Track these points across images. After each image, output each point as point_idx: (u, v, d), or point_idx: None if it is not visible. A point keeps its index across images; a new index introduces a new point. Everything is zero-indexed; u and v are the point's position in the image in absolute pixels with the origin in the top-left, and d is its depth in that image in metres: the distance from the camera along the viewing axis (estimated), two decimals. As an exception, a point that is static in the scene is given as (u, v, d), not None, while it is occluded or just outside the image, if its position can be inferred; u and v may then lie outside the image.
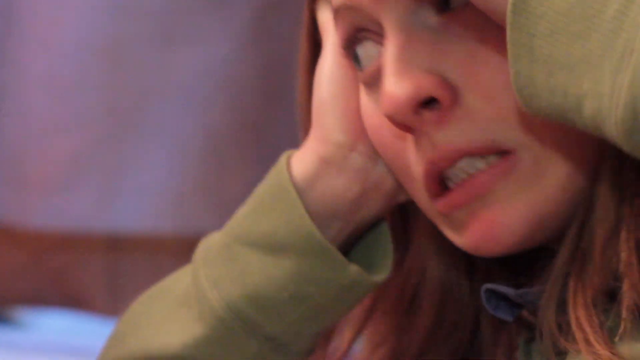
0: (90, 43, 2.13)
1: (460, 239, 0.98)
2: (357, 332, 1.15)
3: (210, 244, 1.12)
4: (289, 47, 1.99)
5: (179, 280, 1.15)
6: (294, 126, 1.13)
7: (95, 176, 2.13)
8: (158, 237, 2.14)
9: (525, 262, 1.03)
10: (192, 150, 2.13)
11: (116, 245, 2.17)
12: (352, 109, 1.07)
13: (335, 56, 1.08)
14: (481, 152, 0.94)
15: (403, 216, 1.13)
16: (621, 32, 0.72)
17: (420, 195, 0.99)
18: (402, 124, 0.94)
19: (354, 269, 1.05)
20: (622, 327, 0.87)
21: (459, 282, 1.12)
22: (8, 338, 2.37)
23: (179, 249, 2.07)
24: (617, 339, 0.88)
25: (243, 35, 2.13)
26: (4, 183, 2.20)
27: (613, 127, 0.71)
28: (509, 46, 0.77)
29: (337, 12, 1.02)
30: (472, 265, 1.11)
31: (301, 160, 1.09)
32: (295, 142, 1.12)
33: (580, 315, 0.91)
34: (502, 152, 0.93)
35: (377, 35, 0.98)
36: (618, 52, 0.72)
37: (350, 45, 1.01)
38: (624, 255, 0.89)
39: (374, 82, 0.99)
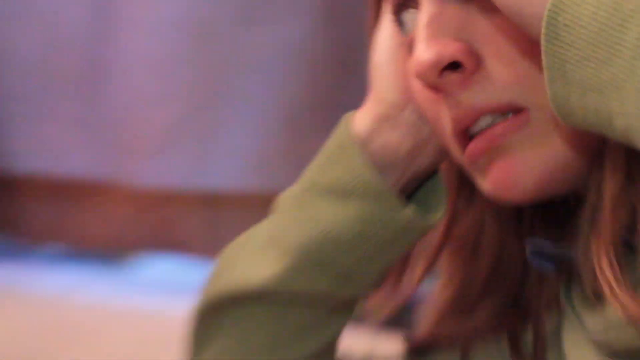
0: (182, 24, 2.24)
1: (484, 185, 1.02)
2: (425, 272, 1.17)
3: (286, 196, 1.13)
4: (359, 23, 2.15)
5: (262, 228, 1.15)
6: (363, 95, 1.13)
7: (189, 141, 2.24)
8: (245, 194, 2.22)
9: (562, 216, 1.08)
10: (273, 117, 2.21)
11: (211, 200, 2.26)
12: (403, 72, 1.09)
13: (389, 25, 1.10)
14: (499, 111, 0.98)
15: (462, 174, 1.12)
16: None
17: (454, 150, 1.03)
18: (431, 85, 0.99)
19: (409, 211, 1.08)
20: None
21: (510, 237, 1.15)
22: (122, 278, 2.43)
23: (262, 203, 2.20)
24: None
25: (316, 14, 2.18)
26: (113, 148, 2.30)
27: None
28: (545, 70, 0.83)
29: (395, 2, 1.05)
30: (520, 222, 1.15)
31: (361, 118, 1.11)
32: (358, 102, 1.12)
33: (603, 265, 0.95)
34: (517, 110, 0.98)
35: (417, 5, 1.01)
36: (639, 76, 0.77)
37: (398, 12, 1.06)
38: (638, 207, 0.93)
39: (411, 47, 1.02)
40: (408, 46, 1.05)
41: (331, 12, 2.22)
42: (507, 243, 1.17)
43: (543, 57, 0.82)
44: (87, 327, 2.00)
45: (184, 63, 2.26)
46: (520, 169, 1.00)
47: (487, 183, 1.01)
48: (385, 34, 1.13)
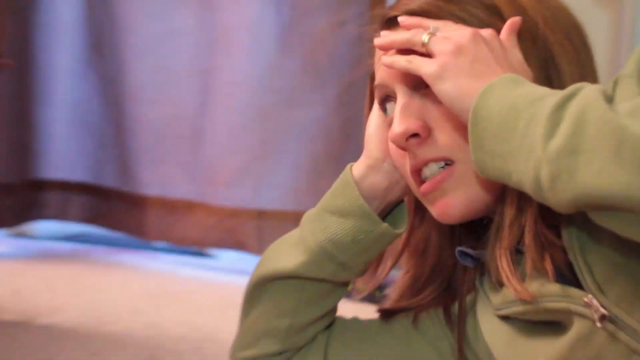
0: (251, 105, 2.29)
1: (432, 211, 1.05)
2: (392, 266, 1.20)
3: (310, 212, 1.18)
4: (359, 108, 2.22)
5: (294, 233, 1.19)
6: (359, 152, 1.18)
7: (251, 177, 2.33)
8: (282, 211, 2.30)
9: (479, 230, 1.09)
10: (305, 164, 2.28)
11: (262, 215, 2.31)
12: (384, 140, 1.12)
13: (376, 110, 1.14)
14: (437, 160, 1.02)
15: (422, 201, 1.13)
16: (526, 138, 0.80)
17: (413, 187, 1.07)
18: (400, 146, 1.04)
19: (384, 225, 1.12)
20: (527, 271, 0.95)
21: (447, 242, 1.16)
22: (205, 264, 2.48)
23: (293, 218, 2.19)
24: (526, 279, 0.96)
25: (332, 102, 2.26)
26: (203, 181, 2.40)
27: (529, 190, 0.81)
28: (470, 143, 0.87)
29: (376, 88, 1.10)
30: (453, 231, 1.16)
31: (356, 167, 1.15)
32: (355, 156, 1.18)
33: (502, 263, 0.98)
34: (449, 162, 1.01)
35: (395, 99, 1.06)
36: (526, 148, 0.80)
37: (382, 104, 1.10)
38: (526, 228, 0.95)
39: (391, 124, 1.06)
40: (388, 123, 1.09)
41: (341, 101, 2.30)
42: (444, 248, 1.18)
43: (469, 135, 0.87)
44: (181, 292, 2.03)
45: (252, 129, 2.36)
46: (452, 203, 1.03)
47: (434, 211, 1.06)
48: (374, 115, 1.16)
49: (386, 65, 1.02)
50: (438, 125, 1.03)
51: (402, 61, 0.99)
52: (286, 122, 2.30)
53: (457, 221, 1.07)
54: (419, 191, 1.07)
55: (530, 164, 0.80)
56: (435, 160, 1.04)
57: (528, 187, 0.82)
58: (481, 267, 1.13)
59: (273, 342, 1.23)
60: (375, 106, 1.17)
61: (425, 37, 0.97)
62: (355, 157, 1.23)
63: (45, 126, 2.56)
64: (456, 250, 1.14)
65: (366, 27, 2.11)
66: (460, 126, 1.02)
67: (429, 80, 0.95)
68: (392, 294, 1.24)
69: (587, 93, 0.79)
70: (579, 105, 0.78)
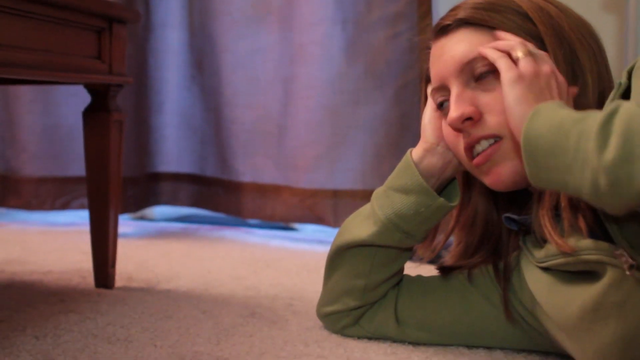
0: (325, 104, 2.27)
1: (486, 181, 1.07)
2: (447, 236, 1.23)
3: (378, 190, 1.21)
4: (413, 103, 2.18)
5: (365, 208, 1.23)
6: (416, 139, 1.14)
7: (327, 162, 2.31)
8: (354, 190, 2.28)
9: (523, 199, 1.11)
10: (370, 151, 2.27)
11: (337, 194, 2.30)
12: (438, 127, 1.15)
13: (430, 105, 1.16)
14: (488, 137, 1.04)
15: (469, 179, 1.18)
16: (579, 152, 0.78)
17: (465, 161, 1.09)
18: (456, 128, 1.07)
19: (441, 199, 1.14)
20: (565, 229, 0.97)
21: (493, 213, 1.18)
22: (290, 236, 2.46)
23: (364, 195, 2.23)
24: (564, 235, 0.97)
25: (390, 99, 2.23)
26: (287, 167, 2.39)
27: (586, 196, 0.79)
28: (524, 160, 0.86)
29: (434, 91, 1.12)
30: (498, 204, 1.18)
31: (415, 151, 1.17)
32: (410, 144, 1.22)
33: (545, 222, 1.00)
34: (497, 138, 1.03)
35: (449, 94, 1.08)
36: (580, 161, 0.78)
37: (438, 101, 1.12)
38: (562, 193, 0.97)
39: (447, 114, 1.09)
40: (444, 114, 1.12)
41: (398, 99, 2.27)
42: (490, 220, 1.19)
43: (522, 153, 0.86)
44: (273, 260, 2.01)
45: (325, 124, 2.34)
46: (503, 172, 1.04)
47: (487, 180, 1.07)
48: (428, 108, 1.18)
49: (484, 52, 1.01)
50: (487, 109, 1.04)
51: (496, 55, 0.99)
52: (353, 117, 2.28)
53: (508, 188, 1.06)
54: (472, 164, 1.07)
55: (587, 174, 0.77)
56: (487, 137, 1.04)
57: (585, 194, 0.80)
58: (525, 229, 1.11)
59: (352, 299, 1.25)
60: (429, 101, 1.17)
61: (520, 54, 0.97)
62: (411, 144, 1.22)
63: (159, 130, 2.60)
64: (503, 217, 1.13)
65: (416, 38, 2.10)
66: (504, 111, 0.99)
67: (504, 80, 0.96)
68: (448, 260, 1.24)
69: (626, 109, 0.77)
70: (622, 119, 0.75)
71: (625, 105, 0.77)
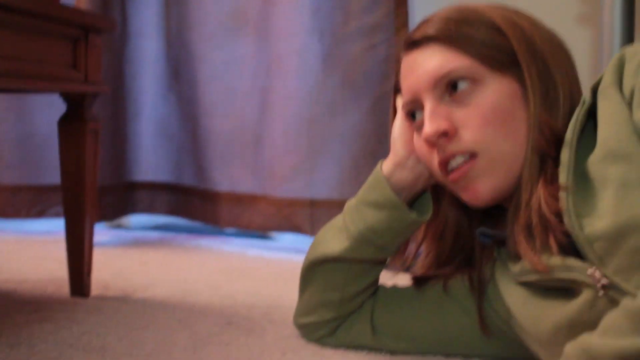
0: (302, 112, 2.25)
1: (463, 197, 1.06)
2: (418, 247, 1.22)
3: (350, 203, 1.21)
4: (386, 115, 2.16)
5: (338, 220, 1.23)
6: (387, 151, 1.16)
7: (304, 172, 2.29)
8: (330, 200, 2.25)
9: (496, 211, 1.11)
10: (343, 163, 2.24)
11: (314, 203, 2.27)
12: (407, 141, 1.13)
13: (400, 117, 1.15)
14: (463, 153, 1.02)
15: (438, 191, 1.18)
16: None
17: (439, 176, 1.07)
18: (432, 143, 1.05)
19: (413, 214, 1.14)
20: (537, 247, 0.96)
21: (464, 225, 1.17)
22: (268, 245, 2.45)
23: (339, 205, 2.15)
24: (537, 252, 0.97)
25: (367, 110, 2.20)
26: (264, 177, 2.37)
27: None
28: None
29: (405, 104, 1.09)
30: (470, 216, 1.17)
31: (385, 164, 1.16)
32: (387, 154, 1.18)
33: (520, 239, 0.99)
34: (473, 155, 1.01)
35: (422, 107, 1.06)
36: None
37: (410, 112, 1.10)
38: (533, 212, 0.96)
39: (419, 127, 1.09)
40: (417, 127, 1.10)
41: (374, 109, 2.22)
42: (461, 229, 1.18)
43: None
44: (250, 269, 2.00)
45: (302, 134, 2.29)
46: (480, 188, 1.03)
47: (465, 196, 1.06)
48: (398, 121, 1.17)
49: None
50: (462, 124, 1.02)
51: None
52: (330, 128, 2.25)
53: (486, 204, 1.05)
54: (448, 179, 1.05)
55: None
56: (462, 152, 1.03)
57: None
58: (499, 244, 1.12)
59: (328, 311, 1.25)
60: (399, 113, 1.15)
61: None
62: (386, 154, 1.20)
63: (135, 138, 2.59)
64: (477, 232, 1.12)
65: (393, 49, 2.10)
66: (481, 126, 1.01)
67: None
68: (418, 270, 1.23)
69: None
70: None
71: None
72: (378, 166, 1.17)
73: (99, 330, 1.35)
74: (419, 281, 1.23)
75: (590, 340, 0.82)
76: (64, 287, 1.66)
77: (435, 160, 1.06)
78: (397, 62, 1.15)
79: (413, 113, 1.10)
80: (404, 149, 1.14)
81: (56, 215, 2.53)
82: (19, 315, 1.43)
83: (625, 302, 0.80)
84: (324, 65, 2.24)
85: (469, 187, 1.04)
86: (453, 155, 1.03)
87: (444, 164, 1.04)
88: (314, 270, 1.24)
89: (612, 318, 0.81)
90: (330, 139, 2.26)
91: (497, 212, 1.11)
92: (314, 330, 1.27)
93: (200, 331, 1.36)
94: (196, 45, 2.45)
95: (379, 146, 2.20)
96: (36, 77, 1.40)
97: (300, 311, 1.30)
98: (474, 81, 1.02)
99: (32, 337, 1.28)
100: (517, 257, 1.03)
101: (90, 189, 1.58)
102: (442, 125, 1.02)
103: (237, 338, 1.32)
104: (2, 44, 1.30)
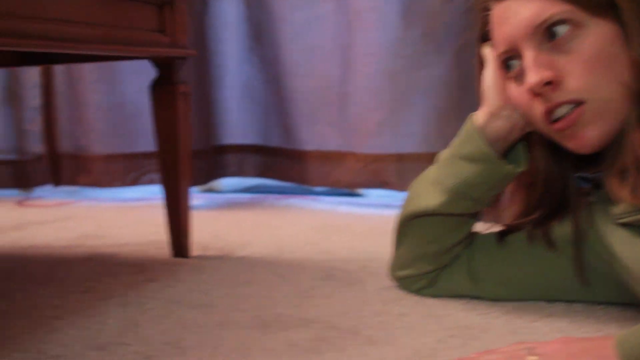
0: (386, 67, 2.26)
1: (569, 145, 1.03)
2: (511, 196, 1.21)
3: (443, 155, 1.19)
4: (471, 65, 2.16)
5: (430, 172, 1.21)
6: (475, 102, 1.16)
7: (390, 127, 2.30)
8: (418, 153, 2.26)
9: (590, 156, 1.07)
10: (429, 115, 2.25)
11: (402, 158, 2.29)
12: (501, 90, 1.11)
13: (494, 67, 1.12)
14: (570, 102, 0.99)
15: (528, 139, 1.15)
16: None
17: (541, 125, 1.04)
18: (536, 93, 1.01)
19: (508, 166, 1.13)
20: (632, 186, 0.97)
21: (554, 171, 1.15)
22: (356, 201, 2.49)
23: (428, 158, 2.20)
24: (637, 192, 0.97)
25: (450, 62, 2.21)
26: (351, 134, 2.38)
27: None
28: None
29: (501, 54, 1.06)
30: (560, 162, 1.14)
31: (479, 115, 1.14)
32: (475, 110, 1.16)
33: (617, 180, 0.99)
34: (579, 103, 0.99)
35: (519, 56, 1.03)
36: None
37: (506, 61, 1.06)
38: (631, 153, 0.97)
39: (518, 76, 1.05)
40: (514, 77, 1.07)
41: (457, 60, 2.23)
42: (551, 175, 1.15)
43: None
44: (342, 225, 2.03)
45: (386, 89, 2.31)
46: (588, 135, 1.00)
47: (571, 143, 1.03)
48: (489, 71, 1.13)
49: None
50: (567, 72, 0.99)
51: None
52: (413, 81, 2.25)
53: (593, 150, 1.03)
54: (553, 128, 1.02)
55: None
56: (569, 102, 1.00)
57: None
58: (597, 187, 1.10)
59: (426, 263, 1.26)
60: (490, 63, 1.12)
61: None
62: (472, 105, 1.18)
63: (221, 102, 2.59)
64: (577, 178, 1.12)
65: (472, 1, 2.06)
66: (586, 72, 0.98)
67: None
68: (507, 219, 1.22)
69: None
70: None
71: None
72: (470, 118, 1.16)
73: (203, 287, 1.38)
74: (509, 229, 1.22)
75: None
76: (164, 249, 1.69)
77: (537, 109, 1.04)
78: (481, 11, 1.11)
79: (508, 63, 1.07)
80: (497, 98, 1.12)
81: (150, 182, 2.58)
82: (125, 276, 1.48)
83: None
84: (404, 19, 2.23)
85: (576, 134, 1.01)
86: (559, 105, 1.01)
87: (549, 113, 1.02)
88: (410, 225, 1.24)
89: None
90: (414, 92, 2.26)
91: (589, 156, 1.08)
92: (413, 282, 1.28)
93: (302, 285, 1.38)
94: (276, 6, 2.45)
95: (464, 97, 2.18)
96: (127, 43, 1.41)
97: (397, 264, 1.30)
98: (575, 26, 0.98)
99: (141, 297, 1.32)
100: (616, 199, 1.02)
101: (184, 151, 1.60)
102: (547, 74, 0.99)
103: (338, 290, 1.34)
104: (93, 12, 1.31)
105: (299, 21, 2.42)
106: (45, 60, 1.90)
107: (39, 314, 1.23)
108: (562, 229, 1.17)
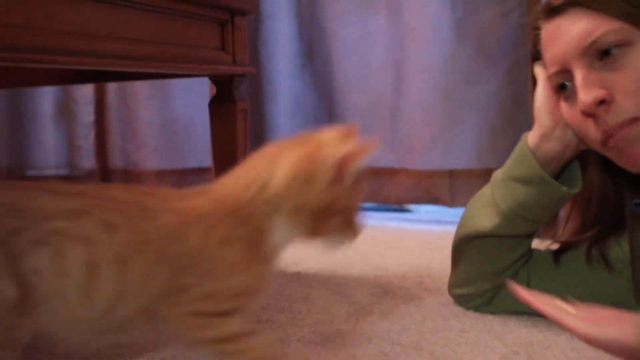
0: (440, 83, 2.26)
1: (624, 164, 1.02)
2: (567, 215, 1.21)
3: (497, 176, 1.20)
4: (524, 84, 2.14)
5: (485, 191, 1.22)
6: (528, 119, 1.16)
7: (441, 143, 2.30)
8: (469, 169, 2.26)
9: None
10: (483, 130, 2.24)
11: (454, 174, 2.29)
12: (552, 110, 1.10)
13: (544, 87, 1.11)
14: (628, 124, 0.96)
15: (583, 157, 1.15)
16: None
17: (596, 146, 1.03)
18: (589, 113, 1.00)
19: (563, 188, 1.11)
20: None
21: (610, 190, 1.15)
22: (406, 217, 2.51)
23: (482, 175, 2.21)
24: None
25: (503, 79, 2.20)
26: (402, 150, 2.37)
27: None
28: None
29: (553, 75, 1.05)
30: (616, 180, 1.14)
31: (531, 136, 1.14)
32: (528, 125, 1.17)
33: None
34: (634, 120, 0.96)
35: (570, 75, 1.02)
36: None
37: (557, 81, 1.05)
38: None
39: (570, 96, 1.04)
40: (566, 97, 1.06)
41: (510, 76, 2.22)
42: (606, 193, 1.16)
43: None
44: (394, 240, 2.02)
45: (439, 105, 2.32)
46: (637, 153, 0.99)
47: (622, 162, 1.02)
48: (540, 90, 1.13)
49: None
50: (619, 90, 0.97)
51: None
52: (466, 97, 2.26)
53: None
54: (607, 146, 1.01)
55: None
56: (623, 124, 0.97)
57: None
58: None
59: (484, 282, 1.26)
60: (541, 83, 1.11)
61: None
62: (525, 121, 1.18)
63: (274, 119, 2.61)
64: (632, 204, 1.10)
65: (526, 16, 2.06)
66: (639, 89, 0.96)
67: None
68: (563, 236, 1.22)
69: None
70: None
71: None
72: (523, 139, 1.15)
73: (261, 303, 1.37)
74: (566, 246, 1.22)
75: None
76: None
77: (591, 129, 1.02)
78: (532, 30, 1.10)
79: (563, 85, 1.06)
80: (549, 119, 1.11)
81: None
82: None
83: None
84: (457, 35, 2.24)
85: (628, 152, 1.00)
86: (617, 129, 0.98)
87: (608, 135, 1.00)
88: (466, 245, 1.24)
89: None
90: (467, 108, 2.26)
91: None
92: (471, 299, 1.28)
93: (359, 301, 1.37)
94: (328, 23, 2.46)
95: (517, 113, 2.18)
96: (189, 61, 1.44)
97: (456, 283, 1.30)
98: (625, 43, 0.97)
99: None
100: None
101: (241, 167, 1.61)
102: (599, 93, 0.97)
103: (396, 306, 1.33)
104: (157, 30, 1.34)
105: (351, 37, 2.43)
106: (100, 77, 1.94)
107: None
108: (619, 250, 1.16)
